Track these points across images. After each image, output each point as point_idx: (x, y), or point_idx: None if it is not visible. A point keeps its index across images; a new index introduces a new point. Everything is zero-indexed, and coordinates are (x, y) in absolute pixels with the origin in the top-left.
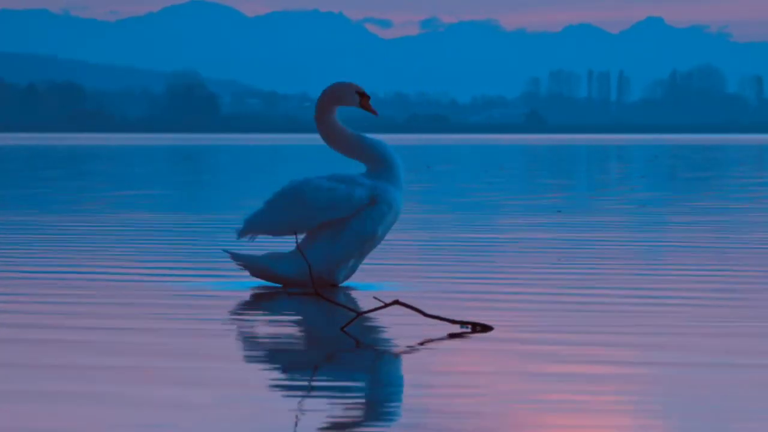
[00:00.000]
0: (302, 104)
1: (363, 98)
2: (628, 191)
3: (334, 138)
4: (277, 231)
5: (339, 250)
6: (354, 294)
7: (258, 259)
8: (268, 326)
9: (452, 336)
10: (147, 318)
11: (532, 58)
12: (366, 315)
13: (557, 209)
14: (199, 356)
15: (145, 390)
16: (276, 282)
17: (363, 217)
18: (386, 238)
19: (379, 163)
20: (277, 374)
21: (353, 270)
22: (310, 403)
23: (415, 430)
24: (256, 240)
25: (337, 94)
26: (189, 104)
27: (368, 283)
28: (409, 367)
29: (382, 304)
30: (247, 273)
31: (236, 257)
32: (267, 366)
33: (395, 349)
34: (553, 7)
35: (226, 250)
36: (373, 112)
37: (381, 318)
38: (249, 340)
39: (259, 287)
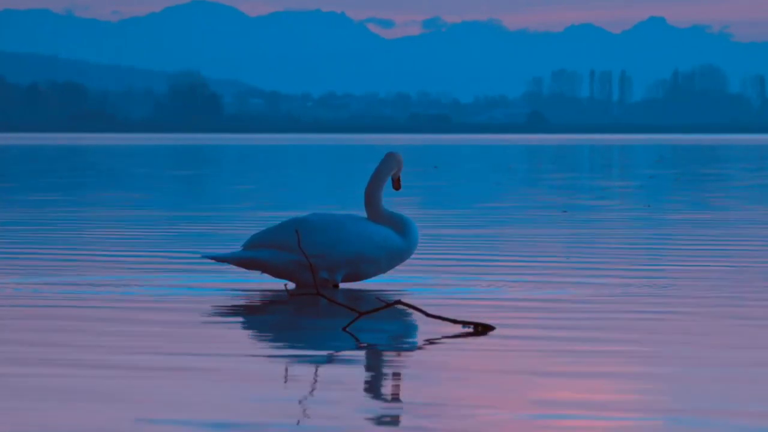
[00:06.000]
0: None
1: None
2: (635, 190)
3: (373, 209)
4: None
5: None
6: (356, 294)
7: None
8: (270, 326)
9: (454, 336)
10: (148, 317)
11: (534, 58)
12: (368, 315)
13: (563, 209)
14: (200, 355)
15: (147, 388)
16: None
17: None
18: None
19: (399, 230)
20: (278, 374)
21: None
22: (311, 403)
23: (417, 429)
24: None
25: (398, 161)
26: (191, 104)
27: (370, 283)
28: (410, 367)
29: (384, 304)
30: (246, 273)
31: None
32: (268, 366)
33: (397, 350)
34: (555, 7)
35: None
36: (399, 186)
37: (383, 318)
38: (250, 340)
39: (260, 287)
